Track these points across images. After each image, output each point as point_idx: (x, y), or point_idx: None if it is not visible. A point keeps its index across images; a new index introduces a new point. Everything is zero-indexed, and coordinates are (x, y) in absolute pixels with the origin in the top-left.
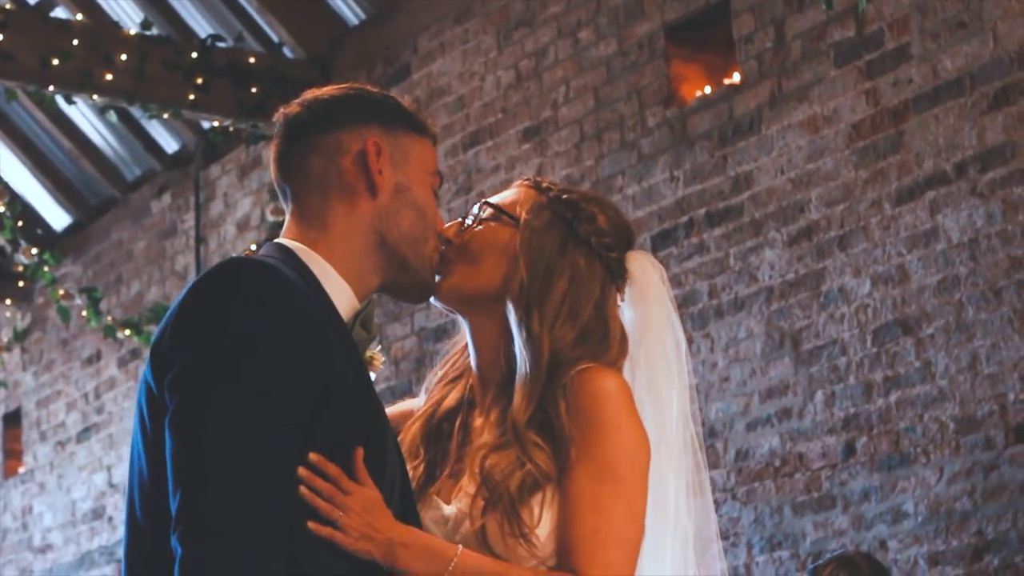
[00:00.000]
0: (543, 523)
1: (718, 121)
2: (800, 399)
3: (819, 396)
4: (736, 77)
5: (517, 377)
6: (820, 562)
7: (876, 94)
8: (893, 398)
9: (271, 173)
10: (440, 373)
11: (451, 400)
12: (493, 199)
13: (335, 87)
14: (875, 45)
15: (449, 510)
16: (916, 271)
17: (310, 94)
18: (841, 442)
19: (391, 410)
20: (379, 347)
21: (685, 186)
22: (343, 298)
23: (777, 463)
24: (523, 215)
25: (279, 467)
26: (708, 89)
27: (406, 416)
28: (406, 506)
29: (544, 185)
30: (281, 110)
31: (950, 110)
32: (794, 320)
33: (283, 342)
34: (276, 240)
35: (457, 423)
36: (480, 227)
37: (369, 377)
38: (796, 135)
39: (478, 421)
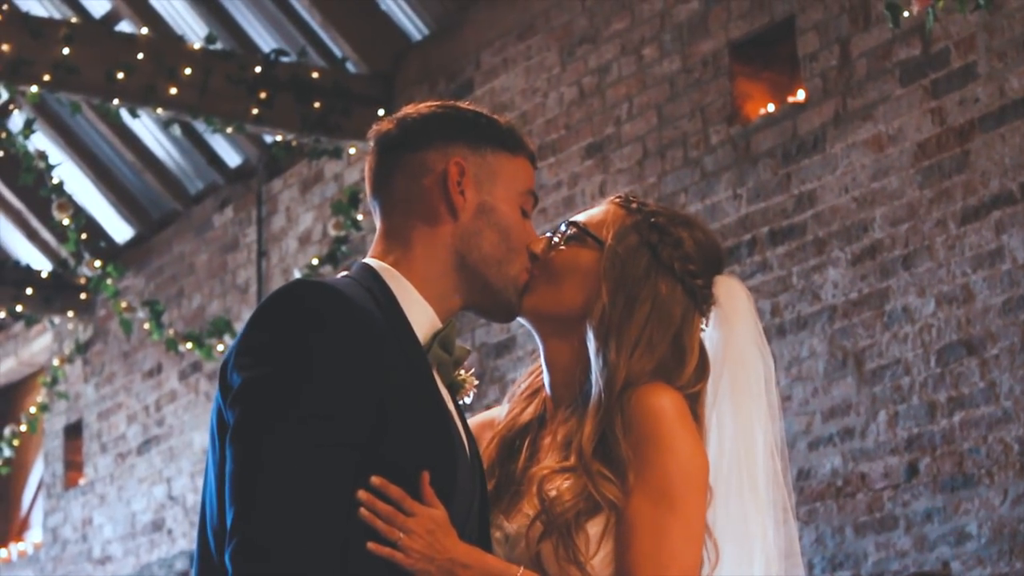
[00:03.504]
0: (601, 550)
1: (782, 139)
2: (863, 419)
3: (882, 416)
4: (800, 95)
5: (590, 403)
6: None
7: (942, 113)
8: (957, 419)
9: (366, 188)
10: (523, 385)
11: (526, 416)
12: (579, 217)
13: (429, 104)
14: (941, 64)
15: (509, 529)
16: (981, 291)
17: (404, 111)
18: (904, 462)
19: (474, 420)
20: (471, 371)
21: (748, 204)
22: (423, 317)
23: (839, 483)
24: (608, 238)
25: (332, 488)
26: (772, 107)
27: (488, 427)
28: (483, 526)
29: (634, 205)
30: (375, 126)
31: (1016, 129)
32: (857, 339)
33: (341, 365)
34: (364, 259)
35: (527, 441)
36: (564, 247)
37: (441, 397)
38: (860, 154)
39: (546, 440)
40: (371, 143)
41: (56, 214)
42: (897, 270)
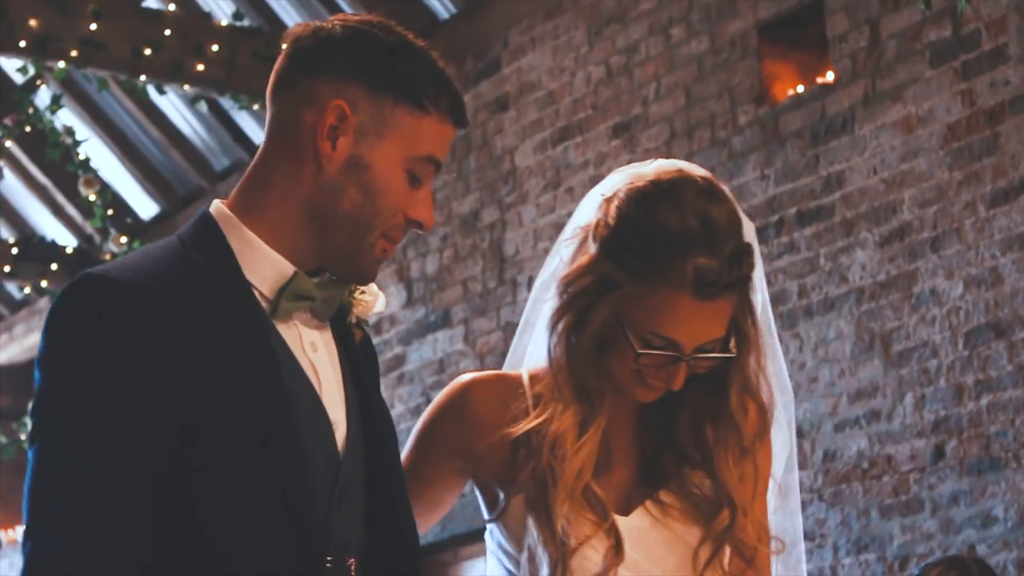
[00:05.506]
0: None
1: (810, 120)
2: (889, 401)
3: (909, 398)
4: (829, 76)
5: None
6: (931, 561)
7: (972, 95)
8: (984, 402)
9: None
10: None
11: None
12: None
13: (353, 19)
14: (972, 46)
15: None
16: (1010, 274)
17: (331, 20)
18: (930, 445)
19: (496, 376)
20: (360, 293)
21: (776, 185)
22: (269, 270)
23: (865, 465)
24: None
25: (109, 508)
26: (800, 88)
27: (512, 386)
28: (380, 474)
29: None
30: (295, 27)
31: None
32: (885, 321)
33: (122, 372)
34: (211, 205)
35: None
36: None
37: (274, 360)
38: (889, 135)
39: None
40: (283, 45)
41: (83, 190)
42: (925, 252)
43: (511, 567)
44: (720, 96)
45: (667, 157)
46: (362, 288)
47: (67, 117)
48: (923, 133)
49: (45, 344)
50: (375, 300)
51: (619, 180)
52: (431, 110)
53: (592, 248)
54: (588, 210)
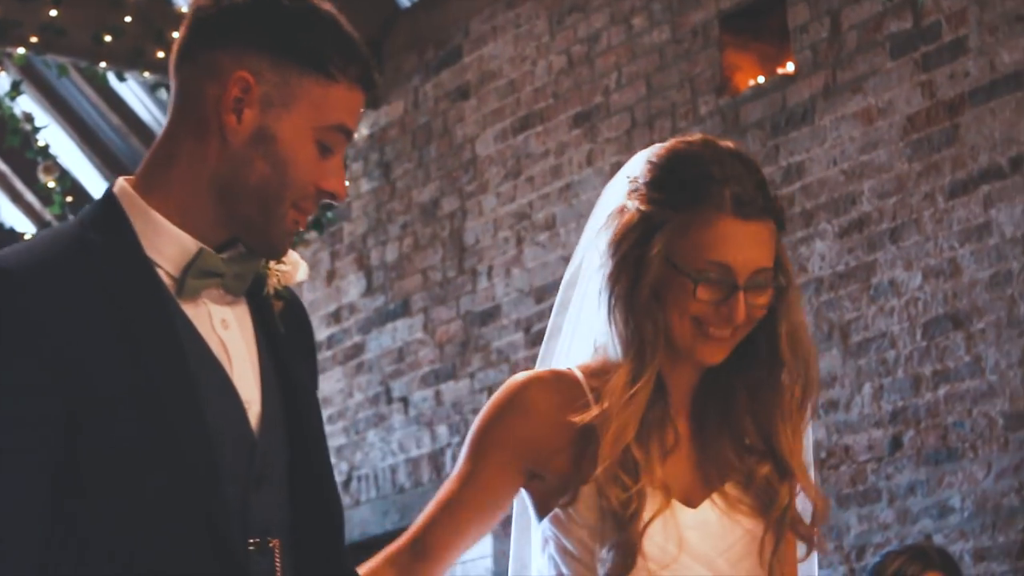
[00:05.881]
0: None
1: (771, 111)
2: (848, 391)
3: (867, 389)
4: (790, 67)
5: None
6: (890, 549)
7: (932, 87)
8: (942, 392)
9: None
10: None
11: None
12: (764, 262)
13: None
14: (932, 37)
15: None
16: (968, 265)
17: None
18: (888, 435)
19: (551, 374)
20: (278, 263)
21: None
22: (173, 248)
23: (823, 455)
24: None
25: (4, 503)
26: (761, 78)
27: (571, 385)
28: (307, 456)
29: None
30: None
31: (1007, 104)
32: (843, 312)
33: (7, 365)
34: (115, 182)
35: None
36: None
37: (175, 343)
38: (850, 126)
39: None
40: (188, 13)
41: (42, 177)
42: (884, 243)
43: (567, 569)
44: (681, 86)
45: (628, 147)
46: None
47: (26, 104)
48: (883, 124)
49: None
50: (295, 269)
51: (640, 159)
52: (339, 78)
53: (631, 206)
54: (615, 194)
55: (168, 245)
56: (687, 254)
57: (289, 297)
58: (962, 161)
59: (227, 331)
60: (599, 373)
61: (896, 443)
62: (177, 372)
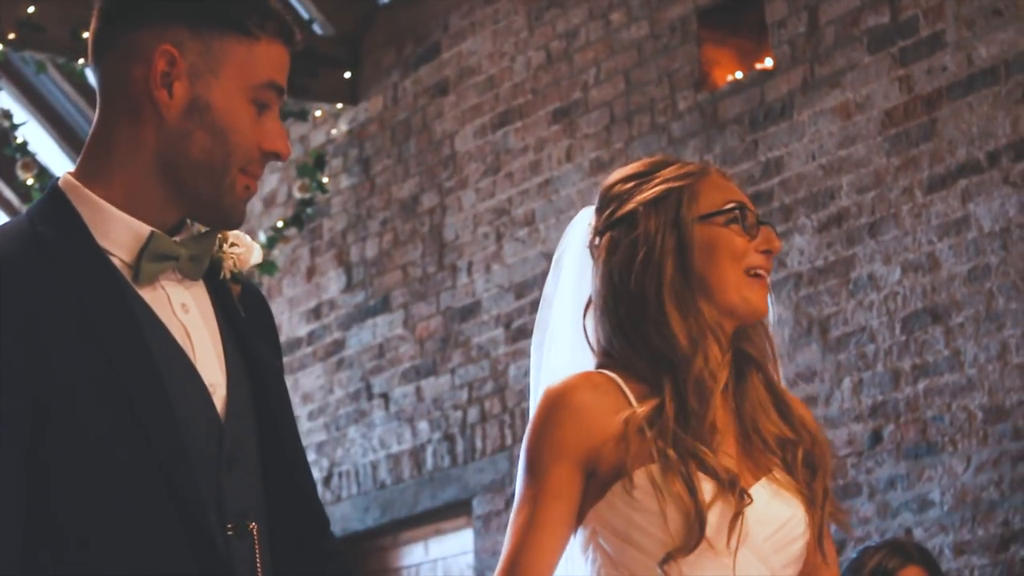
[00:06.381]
0: None
1: (749, 106)
2: (827, 386)
3: (846, 383)
4: (768, 62)
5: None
6: (868, 545)
7: (909, 81)
8: (921, 386)
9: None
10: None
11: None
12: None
13: None
14: (909, 32)
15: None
16: (947, 259)
17: None
18: (868, 430)
19: (587, 382)
20: (231, 246)
21: None
22: (124, 236)
23: None
24: None
25: None
26: (740, 74)
27: (610, 391)
28: (281, 442)
29: None
30: None
31: (984, 98)
32: (822, 307)
33: None
34: (58, 177)
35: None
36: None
37: (135, 328)
38: (828, 121)
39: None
40: (95, 4)
41: (20, 173)
42: (863, 238)
43: (621, 556)
44: (660, 82)
45: (607, 143)
46: (233, 240)
47: (4, 100)
48: (861, 119)
49: None
50: (249, 252)
51: (586, 211)
52: (259, 35)
53: (624, 222)
54: (575, 240)
55: (119, 232)
56: (711, 200)
57: (245, 281)
58: (940, 156)
59: (187, 315)
60: (640, 381)
61: (876, 437)
62: (140, 359)
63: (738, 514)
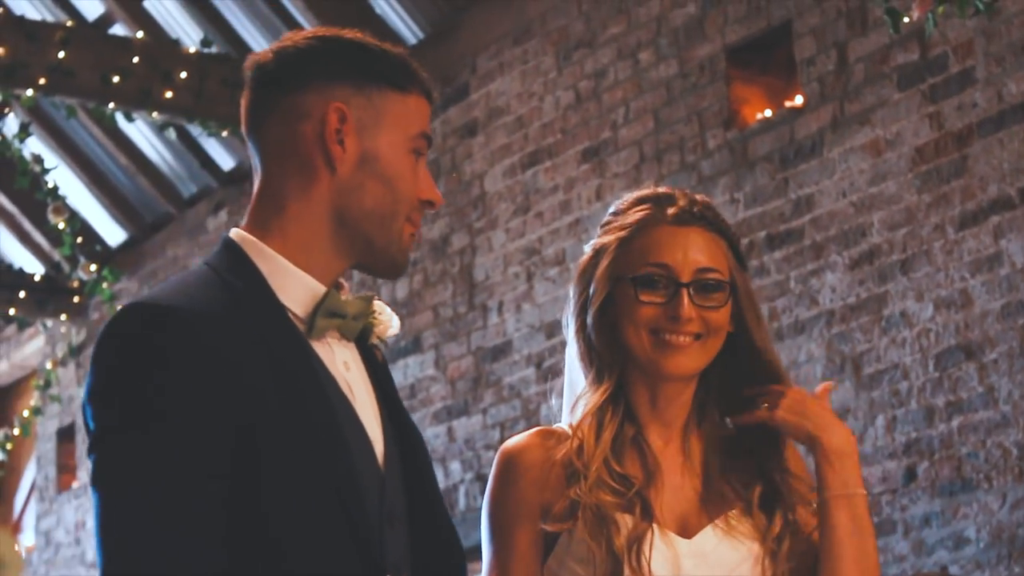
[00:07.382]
0: None
1: (779, 143)
2: (861, 423)
3: (880, 420)
4: (798, 100)
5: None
6: None
7: (940, 118)
8: (955, 423)
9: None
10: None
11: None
12: (708, 263)
13: (309, 34)
14: (939, 69)
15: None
16: (979, 296)
17: (285, 39)
18: (902, 467)
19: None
20: (380, 314)
21: (746, 208)
22: (300, 291)
23: None
24: (735, 274)
25: (202, 529)
26: (769, 112)
27: (555, 438)
28: (422, 496)
29: (721, 225)
30: (253, 56)
31: (1015, 135)
32: (855, 344)
33: (190, 400)
34: (230, 232)
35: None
36: (719, 306)
37: (318, 383)
38: (858, 158)
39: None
40: (248, 74)
41: (52, 218)
42: (895, 275)
43: None
44: (689, 120)
45: (636, 181)
46: (376, 309)
47: (35, 145)
48: (891, 156)
49: (104, 375)
50: (391, 321)
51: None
52: (411, 89)
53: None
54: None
55: (295, 288)
56: (629, 263)
57: (384, 349)
58: (971, 192)
59: (349, 372)
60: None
61: (910, 475)
62: (324, 409)
63: (676, 562)
